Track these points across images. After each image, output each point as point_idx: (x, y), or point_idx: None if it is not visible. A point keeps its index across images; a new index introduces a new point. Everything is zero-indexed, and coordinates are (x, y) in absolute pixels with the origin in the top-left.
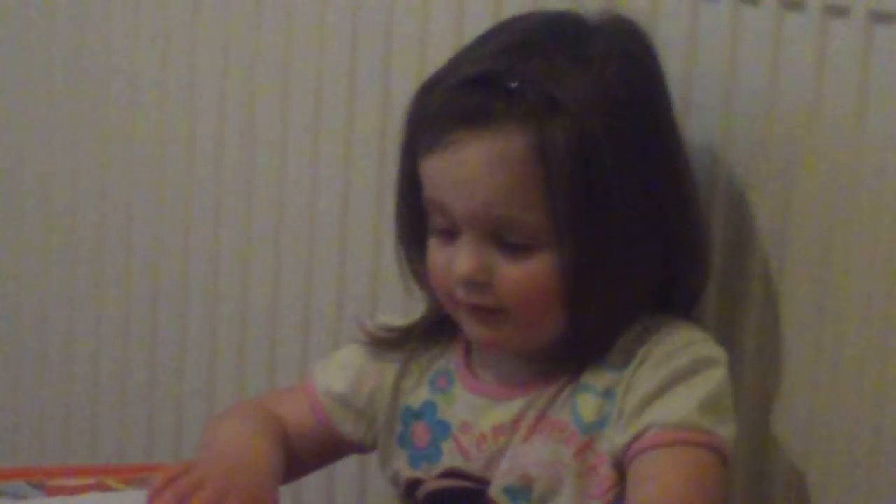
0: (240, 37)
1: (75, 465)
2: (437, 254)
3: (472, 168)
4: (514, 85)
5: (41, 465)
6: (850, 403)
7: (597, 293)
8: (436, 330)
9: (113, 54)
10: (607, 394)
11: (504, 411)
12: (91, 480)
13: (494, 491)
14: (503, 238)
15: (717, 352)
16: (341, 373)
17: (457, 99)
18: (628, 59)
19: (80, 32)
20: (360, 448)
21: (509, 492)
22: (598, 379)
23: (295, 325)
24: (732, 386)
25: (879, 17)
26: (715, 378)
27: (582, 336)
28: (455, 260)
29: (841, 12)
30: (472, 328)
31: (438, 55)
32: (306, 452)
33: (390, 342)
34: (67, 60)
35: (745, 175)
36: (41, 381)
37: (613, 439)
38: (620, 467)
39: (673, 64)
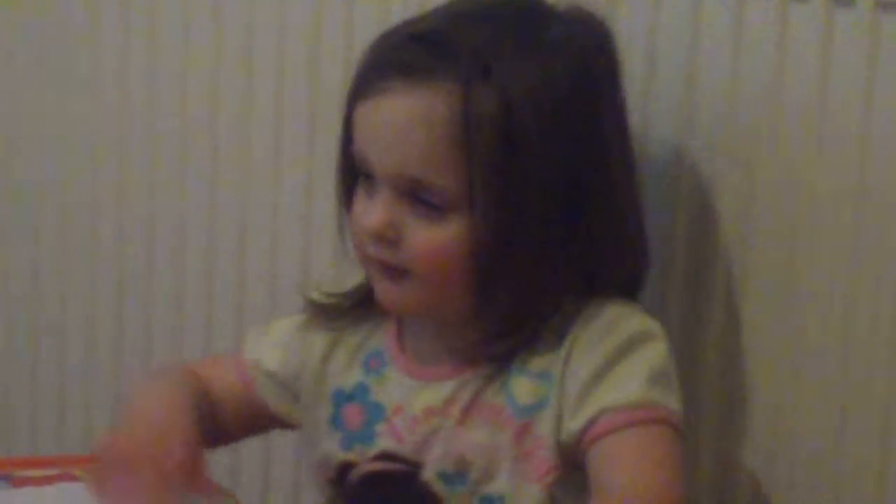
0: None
1: (42, 457)
2: (359, 205)
3: (395, 121)
4: (452, 48)
5: (8, 457)
6: (814, 401)
7: (505, 268)
8: (369, 304)
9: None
10: (542, 375)
11: (434, 393)
12: (57, 471)
13: (429, 475)
14: (418, 197)
15: (652, 324)
16: (270, 346)
17: (398, 51)
18: (580, 52)
19: (67, 35)
20: (285, 423)
21: (444, 476)
22: (532, 361)
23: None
24: (676, 364)
25: (841, 2)
26: (656, 351)
27: (495, 312)
28: (367, 212)
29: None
30: (378, 286)
31: None
32: (234, 418)
33: (327, 307)
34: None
35: (707, 167)
36: (7, 374)
37: (563, 426)
38: (563, 451)
39: (633, 56)
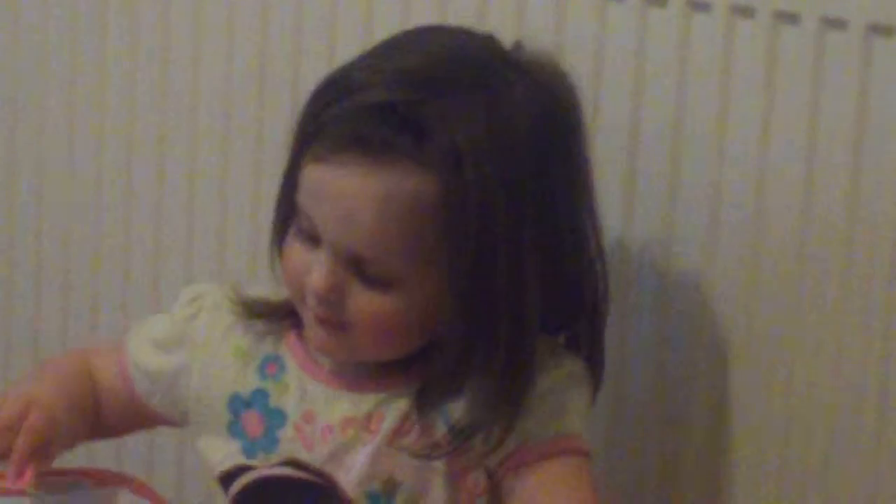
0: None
1: None
2: (296, 254)
3: (353, 199)
4: (421, 126)
5: None
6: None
7: (454, 334)
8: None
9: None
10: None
11: (354, 404)
12: None
13: (355, 494)
14: (362, 269)
15: (584, 366)
16: (151, 346)
17: (359, 121)
18: (548, 116)
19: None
20: (172, 422)
21: (372, 496)
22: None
23: None
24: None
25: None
26: (585, 390)
27: (436, 364)
28: (311, 271)
29: (704, 7)
30: (314, 334)
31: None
32: (115, 413)
33: (259, 312)
34: None
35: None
36: None
37: (490, 449)
38: (491, 475)
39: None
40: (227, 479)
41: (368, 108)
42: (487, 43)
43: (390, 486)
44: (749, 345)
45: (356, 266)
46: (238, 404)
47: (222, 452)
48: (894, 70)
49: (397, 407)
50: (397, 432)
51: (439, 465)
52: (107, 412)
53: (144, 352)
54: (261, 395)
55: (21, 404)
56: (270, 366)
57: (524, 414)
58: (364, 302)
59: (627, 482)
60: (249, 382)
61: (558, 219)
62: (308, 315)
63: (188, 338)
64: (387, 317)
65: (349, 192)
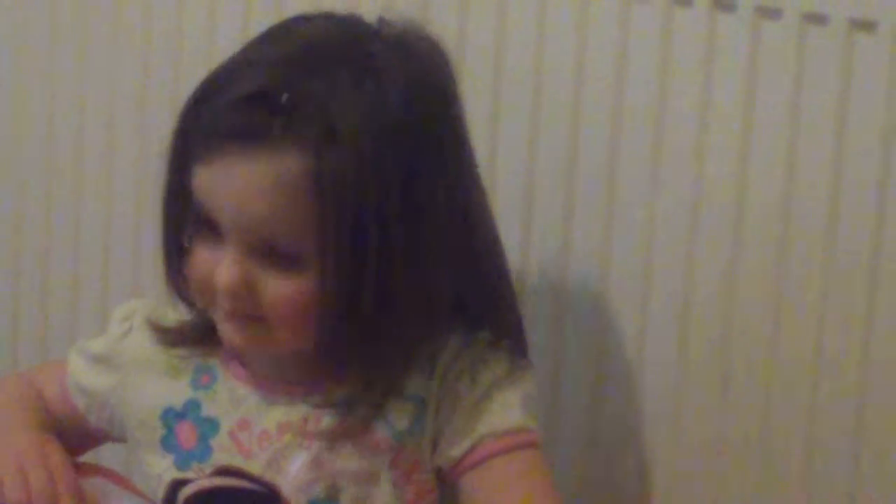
0: None
1: None
2: (203, 253)
3: (243, 188)
4: (292, 106)
5: None
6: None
7: (364, 321)
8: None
9: None
10: (416, 399)
11: (288, 408)
12: None
13: (298, 501)
14: (269, 251)
15: (519, 358)
16: (87, 363)
17: (232, 115)
18: (416, 83)
19: None
20: (114, 438)
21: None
22: (406, 385)
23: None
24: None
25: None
26: (527, 379)
27: (352, 349)
28: (218, 268)
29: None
30: (226, 331)
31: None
32: (67, 431)
33: (180, 342)
34: None
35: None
36: None
37: (441, 451)
38: (439, 474)
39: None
40: (168, 500)
41: (240, 100)
42: (353, 22)
43: (333, 492)
44: (680, 397)
45: (262, 251)
46: (171, 417)
47: (159, 469)
48: (877, 65)
49: (334, 410)
50: (337, 435)
51: (383, 468)
52: (59, 431)
53: (81, 369)
54: (193, 405)
55: (44, 472)
56: (203, 377)
57: (473, 414)
58: (274, 288)
59: None
60: (182, 394)
61: (435, 191)
62: (219, 315)
63: (120, 356)
64: (299, 299)
65: (238, 186)
